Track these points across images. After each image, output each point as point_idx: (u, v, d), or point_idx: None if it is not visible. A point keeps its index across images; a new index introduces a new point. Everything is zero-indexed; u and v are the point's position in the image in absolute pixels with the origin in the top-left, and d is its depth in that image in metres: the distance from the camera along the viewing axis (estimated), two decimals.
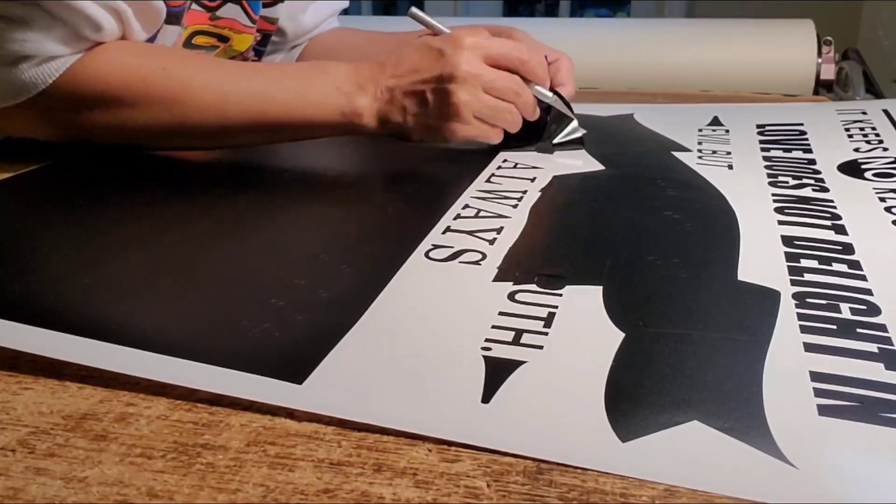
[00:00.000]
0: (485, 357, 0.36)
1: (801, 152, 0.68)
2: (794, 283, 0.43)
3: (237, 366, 0.35)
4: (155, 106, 0.59)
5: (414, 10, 0.65)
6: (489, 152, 0.66)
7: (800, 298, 0.41)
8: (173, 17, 0.63)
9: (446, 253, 0.47)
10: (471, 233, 0.50)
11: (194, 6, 0.66)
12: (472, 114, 0.61)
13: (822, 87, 1.08)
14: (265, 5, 0.74)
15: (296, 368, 0.35)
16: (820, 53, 1.09)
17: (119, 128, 0.60)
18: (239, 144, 0.63)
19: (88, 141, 0.63)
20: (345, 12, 0.90)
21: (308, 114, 0.60)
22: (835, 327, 0.38)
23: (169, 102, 0.59)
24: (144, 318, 0.40)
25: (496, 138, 0.64)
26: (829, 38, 1.09)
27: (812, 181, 0.60)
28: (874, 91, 1.01)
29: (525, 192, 0.57)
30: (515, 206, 0.54)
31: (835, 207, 0.54)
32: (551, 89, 0.66)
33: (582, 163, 0.65)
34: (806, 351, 0.36)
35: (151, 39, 0.63)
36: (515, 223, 0.51)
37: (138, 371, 0.35)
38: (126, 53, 0.59)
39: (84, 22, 0.55)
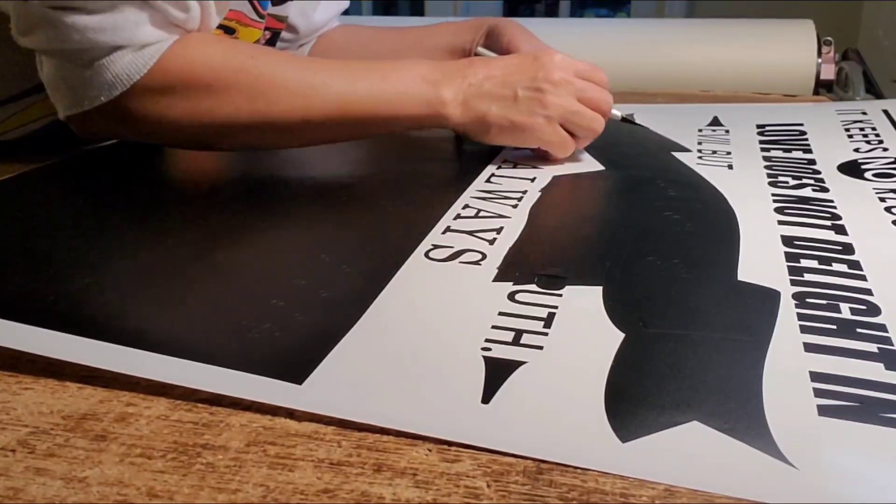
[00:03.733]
0: (485, 357, 0.36)
1: (801, 152, 0.68)
2: (794, 283, 0.43)
3: (237, 366, 0.35)
4: (242, 96, 0.58)
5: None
6: (489, 151, 0.66)
7: (800, 298, 0.41)
8: None
9: (446, 253, 0.47)
10: (471, 233, 0.50)
11: None
12: (559, 117, 0.61)
13: (822, 88, 1.08)
14: (275, 3, 0.74)
15: (296, 368, 0.35)
16: (820, 53, 1.09)
17: (203, 119, 0.59)
18: (321, 140, 0.62)
19: (166, 141, 0.63)
20: (345, 12, 0.90)
21: (393, 104, 0.60)
22: (835, 327, 0.38)
23: (256, 93, 0.58)
24: (145, 318, 0.40)
25: (569, 150, 0.63)
26: (829, 38, 1.09)
27: (812, 181, 0.60)
28: (874, 91, 1.01)
29: (525, 192, 0.57)
30: (515, 207, 0.54)
31: (835, 207, 0.54)
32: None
33: (582, 163, 0.65)
34: (806, 351, 0.36)
35: None
36: (515, 223, 0.51)
37: (139, 371, 0.35)
38: (213, 43, 0.60)
39: (172, 5, 0.56)
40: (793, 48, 1.11)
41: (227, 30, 0.67)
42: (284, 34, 0.79)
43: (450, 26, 0.80)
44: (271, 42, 0.77)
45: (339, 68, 0.61)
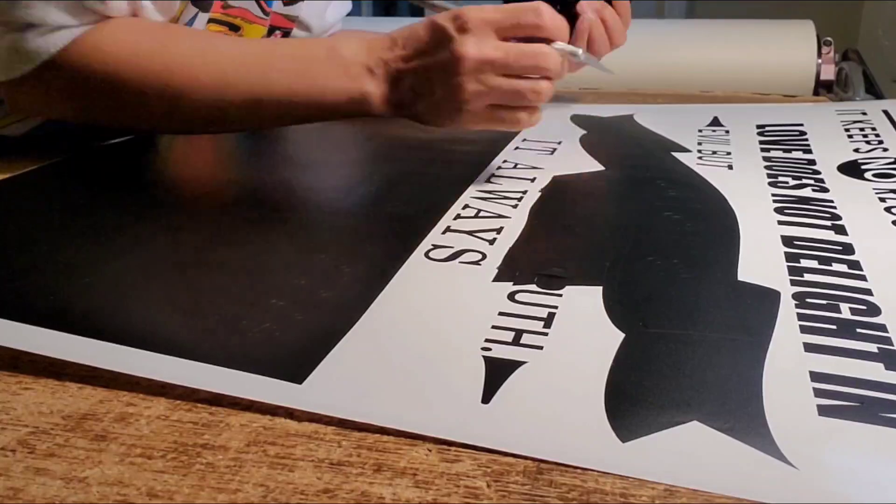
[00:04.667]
0: (485, 357, 0.36)
1: (800, 152, 0.68)
2: (793, 283, 0.43)
3: (237, 365, 0.35)
4: (153, 84, 0.58)
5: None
6: (489, 152, 0.66)
7: (800, 298, 0.41)
8: (201, 3, 0.63)
9: (446, 253, 0.47)
10: (471, 233, 0.50)
11: None
12: (485, 104, 0.56)
13: (822, 88, 1.08)
14: (286, 3, 0.74)
15: (296, 368, 0.35)
16: (820, 54, 1.09)
17: (120, 106, 0.60)
18: (241, 128, 0.62)
19: (96, 122, 0.63)
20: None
21: (313, 97, 0.59)
22: (835, 327, 0.38)
23: (167, 80, 0.58)
24: (145, 317, 0.40)
25: (527, 122, 0.58)
26: (829, 38, 1.09)
27: (812, 181, 0.60)
28: (874, 91, 1.01)
29: (525, 192, 0.57)
30: (515, 207, 0.54)
31: (835, 208, 0.54)
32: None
33: (582, 163, 0.65)
34: (806, 351, 0.36)
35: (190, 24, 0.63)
36: (515, 223, 0.51)
37: (138, 371, 0.35)
38: (131, 30, 0.59)
39: None
40: (793, 48, 1.11)
41: (232, 27, 0.67)
42: (297, 31, 0.79)
43: None
44: None
45: (256, 59, 0.60)
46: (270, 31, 0.74)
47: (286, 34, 0.77)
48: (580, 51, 0.59)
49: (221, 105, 0.58)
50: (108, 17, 0.58)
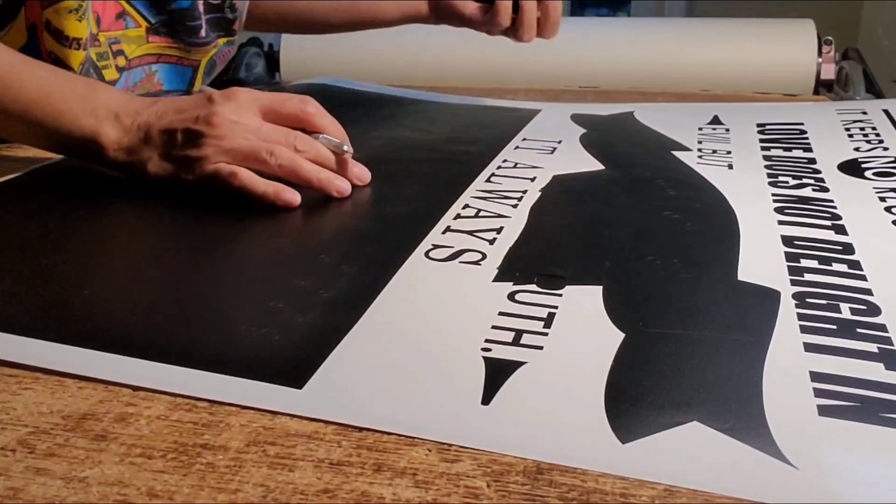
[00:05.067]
0: (485, 358, 0.36)
1: (801, 151, 0.68)
2: (794, 283, 0.43)
3: (237, 371, 0.35)
4: None
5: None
6: (489, 152, 0.66)
7: (800, 298, 0.41)
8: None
9: (446, 253, 0.47)
10: (471, 233, 0.50)
11: None
12: (216, 160, 0.54)
13: (823, 87, 1.08)
14: None
15: (295, 373, 0.35)
16: (820, 53, 1.09)
17: None
18: None
19: None
20: None
21: (47, 122, 0.57)
22: (835, 327, 0.38)
23: None
24: (143, 324, 0.40)
25: (279, 198, 0.53)
26: (830, 37, 1.09)
27: (812, 181, 0.60)
28: (874, 91, 1.01)
29: (525, 191, 0.57)
30: (515, 206, 0.54)
31: (835, 207, 0.54)
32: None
33: (582, 162, 0.65)
34: (806, 351, 0.36)
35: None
36: (515, 223, 0.51)
37: (138, 380, 0.34)
38: None
39: None
40: (793, 48, 1.11)
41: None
42: None
43: None
44: None
45: (10, 68, 0.58)
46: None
47: None
48: (344, 145, 0.57)
49: None
50: None
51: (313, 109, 0.56)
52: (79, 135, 0.56)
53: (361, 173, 0.59)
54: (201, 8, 0.76)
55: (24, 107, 0.57)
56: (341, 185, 0.56)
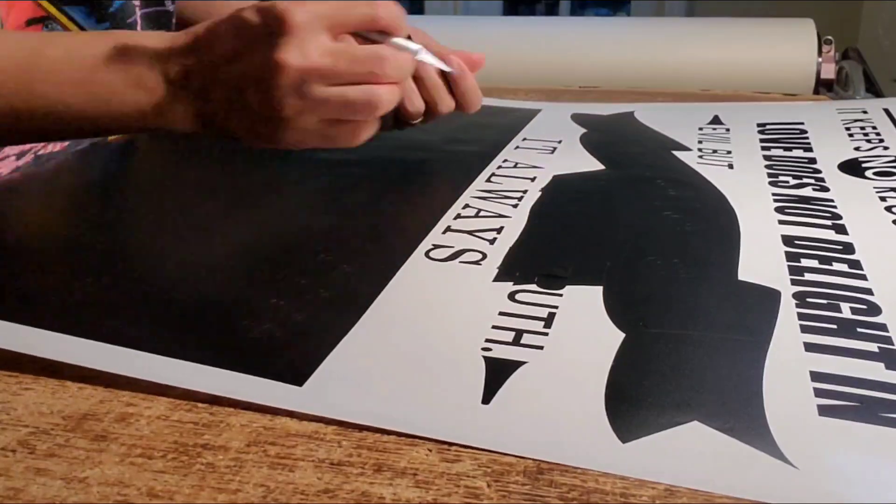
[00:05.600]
0: (485, 358, 0.36)
1: (801, 151, 0.68)
2: (794, 282, 0.43)
3: (238, 367, 0.35)
4: None
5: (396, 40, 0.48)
6: (489, 152, 0.66)
7: (800, 298, 0.41)
8: None
9: (446, 253, 0.47)
10: (471, 232, 0.50)
11: None
12: (311, 120, 0.46)
13: (823, 87, 1.08)
14: None
15: (296, 370, 0.35)
16: (820, 53, 1.09)
17: None
18: (7, 138, 0.49)
19: None
20: None
21: (91, 113, 0.47)
22: (835, 327, 0.38)
23: None
24: (144, 318, 0.40)
25: (364, 135, 0.48)
26: (830, 37, 1.09)
27: (812, 180, 0.60)
28: (874, 90, 1.01)
29: (525, 191, 0.57)
30: (516, 206, 0.54)
31: (835, 207, 0.54)
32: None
33: (582, 162, 0.65)
34: (806, 351, 0.36)
35: None
36: (516, 223, 0.51)
37: (138, 373, 0.35)
38: None
39: None
40: (793, 47, 1.11)
41: None
42: None
43: None
44: None
45: (17, 66, 0.47)
46: None
47: None
48: (420, 47, 0.49)
49: None
50: None
51: (383, 13, 0.47)
52: (135, 114, 0.47)
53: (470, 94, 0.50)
54: (137, 1, 0.66)
55: (53, 102, 0.47)
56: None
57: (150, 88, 0.46)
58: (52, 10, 0.60)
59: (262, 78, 0.44)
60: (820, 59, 1.09)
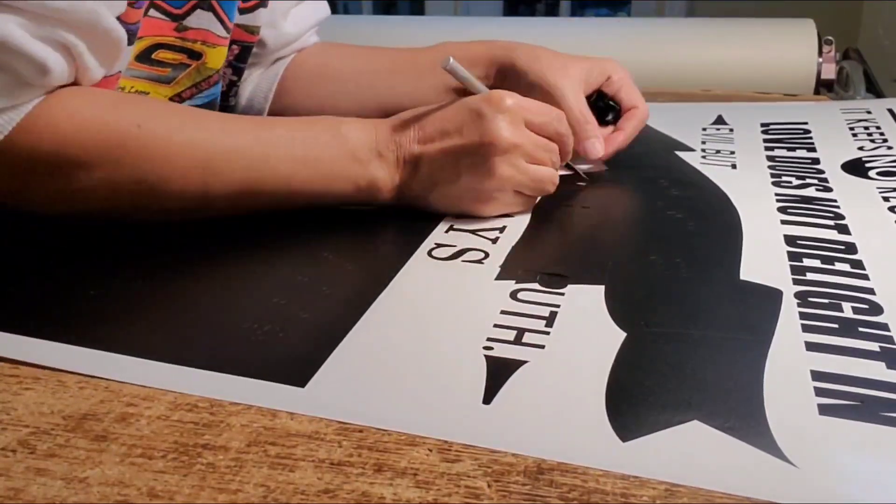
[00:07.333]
0: (486, 357, 0.36)
1: (804, 151, 0.67)
2: (796, 282, 0.43)
3: (240, 370, 0.35)
4: (125, 169, 0.47)
5: (452, 62, 0.54)
6: None
7: (802, 298, 0.41)
8: (131, 37, 0.51)
9: (449, 251, 0.47)
10: (473, 232, 0.50)
11: (153, 12, 0.54)
12: (512, 189, 0.52)
13: (823, 87, 1.08)
14: (242, 11, 0.61)
15: (298, 371, 0.35)
16: (821, 53, 1.09)
17: (76, 193, 0.47)
18: (227, 213, 0.51)
19: (27, 208, 0.49)
20: (345, 11, 0.86)
21: (315, 184, 0.51)
22: (837, 326, 0.38)
23: (142, 165, 0.47)
24: (146, 323, 0.40)
25: (529, 208, 0.54)
26: (830, 37, 1.09)
27: (815, 181, 0.60)
28: (875, 90, 1.01)
29: None
30: None
31: (838, 207, 0.54)
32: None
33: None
34: (807, 350, 0.36)
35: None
36: (518, 222, 0.51)
37: (140, 380, 0.35)
38: (90, 104, 0.47)
39: (27, 66, 0.43)
40: (793, 47, 1.11)
41: (192, 54, 0.57)
42: (256, 49, 0.67)
43: (453, 50, 0.63)
44: (240, 59, 0.64)
45: (255, 131, 0.51)
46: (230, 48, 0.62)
47: (245, 50, 0.64)
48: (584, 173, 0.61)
49: (204, 190, 0.49)
50: (52, 90, 0.46)
51: (567, 139, 0.55)
52: (350, 187, 0.52)
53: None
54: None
55: (284, 177, 0.51)
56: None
57: (363, 160, 0.52)
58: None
59: (477, 149, 0.51)
60: (820, 60, 1.09)
